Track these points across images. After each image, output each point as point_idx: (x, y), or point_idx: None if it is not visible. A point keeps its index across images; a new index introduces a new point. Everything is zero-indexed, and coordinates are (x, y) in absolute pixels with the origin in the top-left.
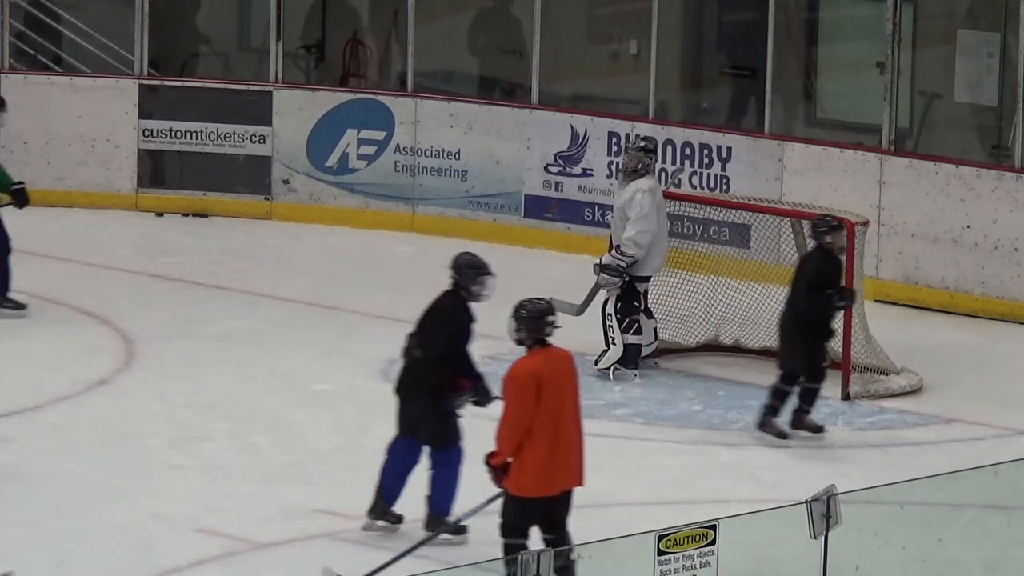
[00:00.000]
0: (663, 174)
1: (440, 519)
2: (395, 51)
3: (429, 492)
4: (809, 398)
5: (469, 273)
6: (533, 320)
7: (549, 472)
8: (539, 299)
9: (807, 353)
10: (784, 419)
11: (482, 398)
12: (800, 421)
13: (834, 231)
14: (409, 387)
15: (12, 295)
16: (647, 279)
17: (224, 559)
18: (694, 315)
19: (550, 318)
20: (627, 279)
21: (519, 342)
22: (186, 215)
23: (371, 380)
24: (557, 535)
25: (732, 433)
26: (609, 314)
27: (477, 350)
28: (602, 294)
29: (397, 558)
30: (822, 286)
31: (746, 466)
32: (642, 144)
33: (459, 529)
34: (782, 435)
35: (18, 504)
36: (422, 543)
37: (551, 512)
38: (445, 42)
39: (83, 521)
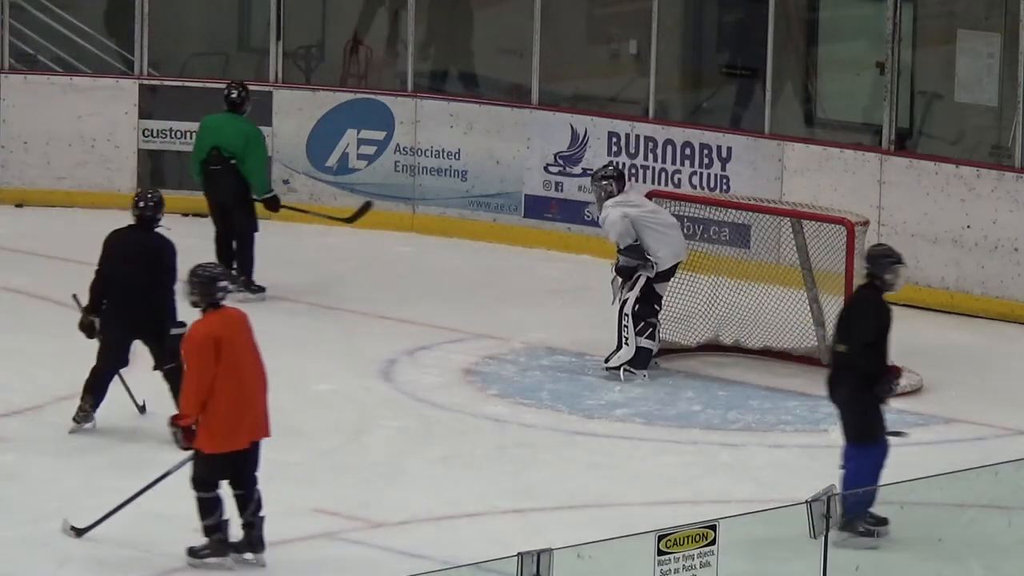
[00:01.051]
0: (663, 174)
1: (853, 518)
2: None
3: (841, 487)
4: None
5: (882, 262)
6: (205, 284)
7: (237, 426)
8: (211, 263)
9: None
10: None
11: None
12: None
13: None
14: (834, 383)
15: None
16: (666, 278)
17: (224, 559)
18: (694, 315)
19: (222, 283)
20: (650, 264)
21: (194, 305)
22: (186, 215)
23: (371, 380)
24: (245, 490)
25: (732, 433)
26: (626, 314)
27: (476, 350)
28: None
29: (132, 498)
30: None
31: (746, 466)
32: (602, 173)
33: (869, 532)
34: None
35: (18, 504)
36: (154, 483)
37: (239, 466)
38: (444, 41)
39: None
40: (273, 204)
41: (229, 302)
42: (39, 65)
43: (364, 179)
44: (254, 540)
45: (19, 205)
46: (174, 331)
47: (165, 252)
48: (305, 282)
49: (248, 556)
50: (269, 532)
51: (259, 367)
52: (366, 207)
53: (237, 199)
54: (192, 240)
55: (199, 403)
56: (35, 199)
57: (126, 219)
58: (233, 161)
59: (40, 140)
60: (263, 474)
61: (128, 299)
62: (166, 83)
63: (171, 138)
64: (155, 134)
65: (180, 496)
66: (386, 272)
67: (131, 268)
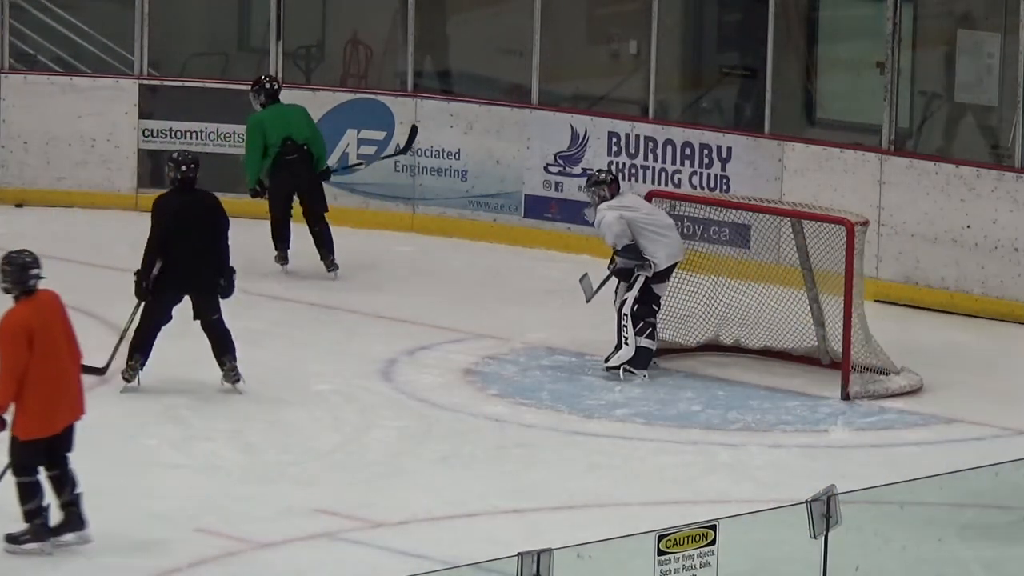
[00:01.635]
0: (663, 174)
1: None
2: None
3: None
4: None
5: None
6: (18, 272)
7: (52, 412)
8: (24, 251)
9: None
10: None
11: None
12: None
13: None
14: None
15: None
16: (664, 279)
17: (224, 559)
18: (694, 315)
19: (34, 271)
20: (648, 263)
21: (6, 291)
22: None
23: (371, 380)
24: (60, 470)
25: (732, 433)
26: (625, 314)
27: (476, 350)
28: (615, 293)
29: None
30: None
31: (746, 466)
32: (596, 178)
33: None
34: None
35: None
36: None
37: (53, 448)
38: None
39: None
40: (328, 173)
41: (322, 279)
42: (39, 65)
43: (364, 179)
44: (74, 519)
45: (19, 205)
46: (234, 278)
47: (219, 206)
48: (305, 282)
49: (70, 537)
50: (269, 532)
51: (74, 349)
52: (413, 131)
53: (314, 183)
54: None
55: (12, 392)
56: (35, 199)
57: (126, 219)
58: (305, 147)
59: (40, 140)
60: (263, 474)
61: (192, 258)
62: (166, 83)
63: (171, 138)
64: (155, 134)
65: (180, 496)
66: (386, 272)
67: (196, 228)
